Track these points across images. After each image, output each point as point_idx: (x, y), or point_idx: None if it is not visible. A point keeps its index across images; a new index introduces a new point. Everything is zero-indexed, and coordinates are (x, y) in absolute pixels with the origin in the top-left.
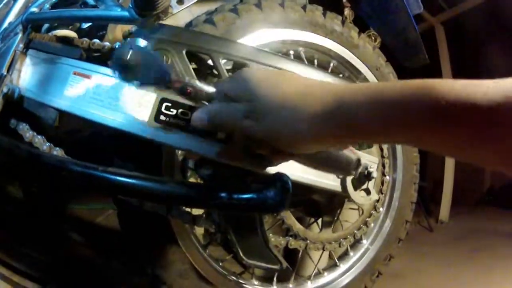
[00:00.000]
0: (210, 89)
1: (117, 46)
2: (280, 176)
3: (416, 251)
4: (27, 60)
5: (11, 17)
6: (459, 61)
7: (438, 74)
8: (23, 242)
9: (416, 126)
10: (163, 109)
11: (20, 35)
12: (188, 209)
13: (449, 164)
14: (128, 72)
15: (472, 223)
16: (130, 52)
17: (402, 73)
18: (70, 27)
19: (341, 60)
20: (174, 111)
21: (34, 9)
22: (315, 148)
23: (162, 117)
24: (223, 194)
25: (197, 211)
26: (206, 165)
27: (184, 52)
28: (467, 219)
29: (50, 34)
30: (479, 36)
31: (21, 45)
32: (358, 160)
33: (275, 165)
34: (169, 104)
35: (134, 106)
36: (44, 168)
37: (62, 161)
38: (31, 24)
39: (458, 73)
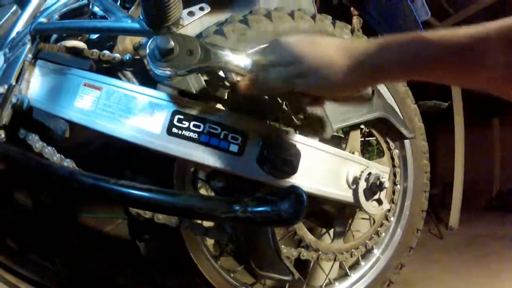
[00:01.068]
0: (247, 61)
1: (127, 58)
2: (294, 189)
3: (426, 258)
4: (36, 71)
5: (19, 27)
6: None
7: None
8: (31, 250)
9: (418, 65)
10: (175, 122)
11: (28, 45)
12: (199, 221)
13: (458, 170)
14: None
15: (481, 228)
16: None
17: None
18: (79, 37)
19: None
20: (187, 124)
21: (42, 19)
22: (349, 92)
23: (174, 130)
24: (237, 207)
25: (208, 223)
26: (219, 177)
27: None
28: (476, 224)
29: (59, 44)
30: None
31: (30, 55)
32: (373, 91)
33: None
34: (182, 117)
35: (145, 119)
36: (55, 179)
37: (72, 172)
38: (40, 34)
39: None
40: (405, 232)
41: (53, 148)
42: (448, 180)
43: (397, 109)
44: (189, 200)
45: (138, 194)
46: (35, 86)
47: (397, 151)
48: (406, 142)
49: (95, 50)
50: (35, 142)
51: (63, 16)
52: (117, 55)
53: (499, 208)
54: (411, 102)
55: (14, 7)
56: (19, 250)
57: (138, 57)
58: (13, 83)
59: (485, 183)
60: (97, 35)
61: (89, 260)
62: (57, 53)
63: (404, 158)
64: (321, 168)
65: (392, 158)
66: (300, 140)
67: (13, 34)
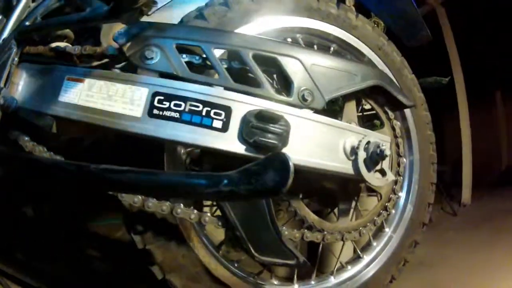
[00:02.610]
0: None
1: (109, 49)
2: (277, 155)
3: (441, 237)
4: (23, 73)
5: (4, 34)
6: (465, 40)
7: (445, 55)
8: (38, 259)
9: None
10: (155, 103)
11: (14, 50)
12: (191, 207)
13: (466, 145)
14: None
15: (494, 203)
16: None
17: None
18: (65, 39)
19: (341, 43)
20: (167, 104)
21: (26, 23)
22: None
23: (155, 111)
24: (219, 182)
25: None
26: (206, 157)
27: (174, 46)
28: (488, 200)
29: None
30: (482, 13)
31: (16, 59)
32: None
33: None
34: (162, 98)
35: (126, 104)
36: (40, 170)
37: (55, 162)
38: (25, 38)
39: (464, 53)
40: (416, 208)
41: (44, 147)
42: (457, 156)
43: (393, 80)
44: (169, 178)
45: (118, 176)
46: (23, 87)
47: (397, 122)
48: (408, 113)
49: (78, 46)
50: (25, 142)
51: (45, 18)
52: (98, 48)
53: (509, 182)
54: (408, 73)
55: (0, 17)
56: (25, 260)
57: (118, 47)
58: (1, 86)
59: (493, 158)
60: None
61: (98, 266)
62: (42, 53)
63: (407, 130)
64: (315, 139)
65: (393, 128)
66: (288, 111)
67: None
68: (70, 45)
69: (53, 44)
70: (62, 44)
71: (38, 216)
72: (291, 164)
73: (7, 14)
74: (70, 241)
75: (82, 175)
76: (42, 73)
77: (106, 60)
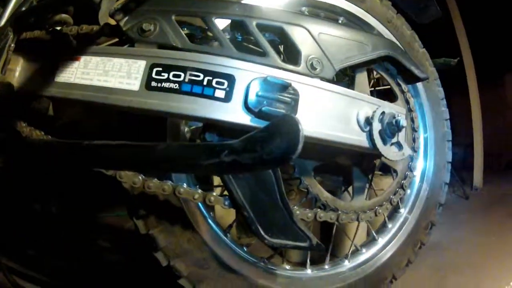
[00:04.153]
0: None
1: (107, 27)
2: (285, 118)
3: (454, 220)
4: (20, 59)
5: (1, 22)
6: (474, 19)
7: (451, 31)
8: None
9: None
10: (153, 75)
11: (11, 36)
12: (195, 187)
13: (477, 129)
14: None
15: (506, 187)
16: None
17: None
18: (64, 25)
19: (348, 16)
20: (166, 75)
21: (22, 9)
22: None
23: (153, 83)
24: (220, 151)
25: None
26: (209, 130)
27: (173, 18)
28: (500, 183)
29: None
30: None
31: (13, 45)
32: None
33: None
34: (160, 69)
35: (123, 78)
36: (33, 151)
37: (47, 142)
38: (21, 24)
39: (471, 28)
40: (431, 187)
41: (41, 132)
42: (468, 140)
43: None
44: (165, 150)
45: (112, 151)
46: (20, 73)
47: (411, 95)
48: (420, 89)
49: (74, 26)
50: (22, 127)
51: None
52: (95, 26)
53: None
54: (419, 47)
55: None
56: (34, 255)
57: (115, 23)
58: None
59: (505, 142)
60: None
61: (108, 258)
62: (38, 37)
63: (420, 106)
64: (326, 109)
65: (407, 101)
66: (296, 79)
67: None
68: (71, 21)
69: (57, 17)
70: (63, 18)
71: (46, 211)
72: (300, 127)
73: (4, 3)
74: (80, 234)
75: (75, 152)
76: (39, 57)
77: (103, 38)
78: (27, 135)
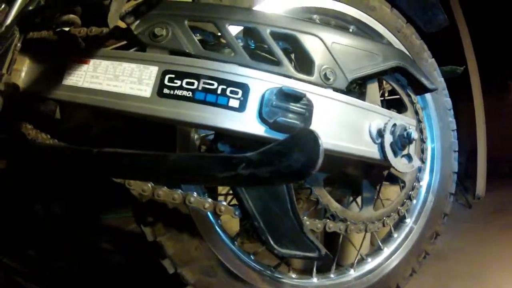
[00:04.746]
0: None
1: (117, 30)
2: (304, 131)
3: (456, 229)
4: (26, 59)
5: (7, 21)
6: (479, 27)
7: (457, 38)
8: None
9: None
10: (166, 82)
11: (17, 35)
12: (205, 196)
13: (481, 137)
14: None
15: (508, 196)
16: None
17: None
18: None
19: (359, 24)
20: (179, 82)
21: (29, 8)
22: None
23: (166, 91)
24: (237, 164)
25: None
26: (222, 140)
27: (185, 23)
28: (502, 192)
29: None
30: None
31: (19, 45)
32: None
33: None
34: (173, 76)
35: (134, 84)
36: (40, 156)
37: (55, 147)
38: (28, 23)
39: (476, 36)
40: (437, 197)
41: (47, 135)
42: (471, 148)
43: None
44: (180, 161)
45: (123, 160)
46: (26, 73)
47: (420, 106)
48: (429, 99)
49: (83, 28)
50: (28, 129)
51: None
52: (105, 28)
53: None
54: (427, 56)
55: (3, 6)
56: (37, 257)
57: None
58: (3, 73)
59: (508, 150)
60: None
61: (111, 259)
62: (46, 38)
63: (428, 116)
64: (339, 120)
65: (416, 112)
66: (311, 90)
67: (2, 28)
68: (79, 22)
69: (65, 17)
70: (71, 18)
71: (48, 212)
72: (320, 142)
73: (10, 2)
74: (82, 235)
75: (84, 160)
76: (45, 58)
77: (113, 41)
78: (33, 138)
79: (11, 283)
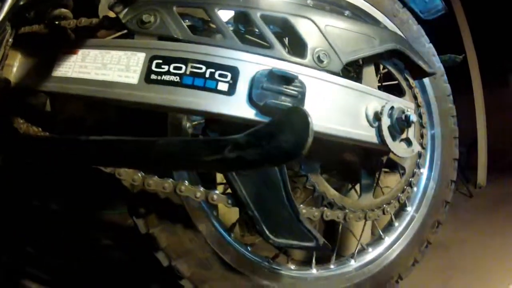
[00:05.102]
0: None
1: (106, 20)
2: (293, 110)
3: (458, 219)
4: (18, 54)
5: None
6: (478, 17)
7: (454, 28)
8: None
9: None
10: (153, 67)
11: (9, 31)
12: (196, 185)
13: (482, 127)
14: None
15: (509, 186)
16: None
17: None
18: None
19: (354, 9)
20: (166, 67)
21: (21, 3)
22: None
23: (153, 76)
24: (224, 147)
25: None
26: (211, 125)
27: (174, 9)
28: (504, 182)
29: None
30: None
31: (11, 40)
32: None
33: None
34: (160, 61)
35: (121, 72)
36: (28, 147)
37: (42, 137)
38: (19, 19)
39: (474, 25)
40: (438, 185)
41: (39, 128)
42: (472, 138)
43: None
44: (165, 146)
45: (109, 146)
46: (17, 68)
47: (418, 90)
48: (427, 85)
49: (72, 20)
50: (20, 123)
51: None
52: (94, 19)
53: None
54: (425, 42)
55: None
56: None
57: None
58: None
59: (509, 142)
60: None
61: (110, 255)
62: (37, 32)
63: (427, 102)
64: (334, 103)
65: (415, 97)
66: (303, 72)
67: None
68: (71, 15)
69: (57, 12)
70: (63, 12)
71: (46, 209)
72: (310, 120)
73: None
74: (81, 232)
75: (71, 148)
76: (37, 52)
77: (104, 32)
78: (24, 132)
79: (10, 281)
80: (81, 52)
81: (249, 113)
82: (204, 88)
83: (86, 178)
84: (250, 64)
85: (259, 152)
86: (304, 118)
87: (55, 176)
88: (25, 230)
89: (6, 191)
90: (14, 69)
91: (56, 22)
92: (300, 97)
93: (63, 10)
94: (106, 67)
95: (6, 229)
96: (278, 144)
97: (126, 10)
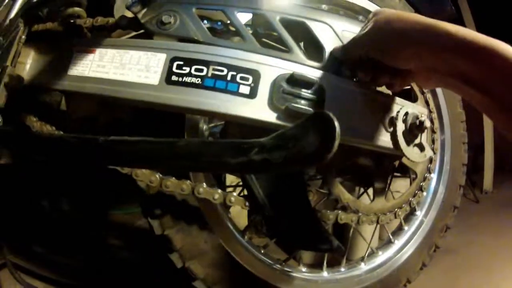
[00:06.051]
0: None
1: (123, 19)
2: (318, 114)
3: (464, 223)
4: (31, 51)
5: (12, 14)
6: (484, 16)
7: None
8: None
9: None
10: (174, 69)
11: (22, 28)
12: (214, 187)
13: (489, 132)
14: None
15: None
16: None
17: None
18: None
19: (367, 14)
20: (187, 69)
21: (34, 0)
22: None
23: (174, 78)
24: (250, 149)
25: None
26: (232, 128)
27: (193, 10)
28: (510, 187)
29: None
30: None
31: (24, 37)
32: None
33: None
34: (181, 63)
35: (141, 72)
36: (44, 147)
37: (59, 137)
38: (32, 15)
39: (482, 27)
40: (448, 189)
41: (52, 127)
42: (479, 142)
43: None
44: (189, 147)
45: (130, 147)
46: (30, 65)
47: (430, 96)
48: (438, 90)
49: (88, 18)
50: (33, 121)
51: None
52: (111, 18)
53: None
54: None
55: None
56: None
57: (132, 15)
58: (7, 65)
59: None
60: None
61: (119, 255)
62: (51, 29)
63: (437, 107)
64: (352, 108)
65: (427, 102)
66: (322, 76)
67: (6, 22)
68: (85, 14)
69: (70, 10)
70: (77, 11)
71: (55, 208)
72: (336, 124)
73: None
74: (89, 231)
75: (90, 149)
76: (50, 50)
77: (119, 31)
78: (37, 130)
79: (17, 280)
80: (98, 51)
81: (271, 117)
82: (225, 91)
83: (94, 178)
84: (271, 68)
85: (285, 155)
86: (330, 121)
87: (62, 175)
88: (32, 229)
89: (14, 188)
90: (27, 67)
91: (71, 21)
92: (319, 101)
93: (77, 8)
94: (125, 67)
95: (14, 228)
96: (303, 146)
97: (144, 10)
